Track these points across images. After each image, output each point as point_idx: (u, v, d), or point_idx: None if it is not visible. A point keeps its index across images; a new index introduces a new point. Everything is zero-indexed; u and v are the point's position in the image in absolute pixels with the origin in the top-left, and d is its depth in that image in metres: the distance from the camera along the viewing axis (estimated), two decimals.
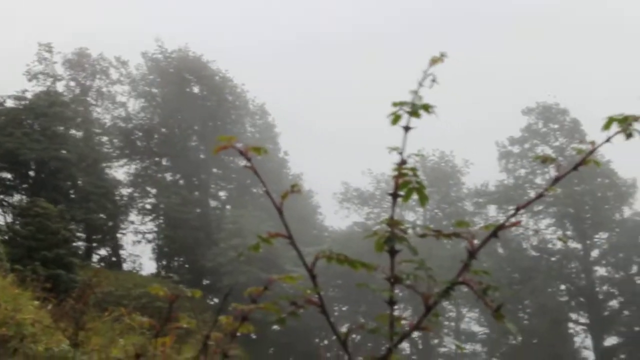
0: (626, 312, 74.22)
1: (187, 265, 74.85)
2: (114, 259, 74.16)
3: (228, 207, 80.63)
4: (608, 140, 2.84)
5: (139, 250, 77.14)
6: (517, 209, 2.92)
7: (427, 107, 2.97)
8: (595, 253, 76.91)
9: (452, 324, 78.16)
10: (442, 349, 77.46)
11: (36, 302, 24.96)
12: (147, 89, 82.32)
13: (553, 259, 76.64)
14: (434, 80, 2.95)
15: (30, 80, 75.70)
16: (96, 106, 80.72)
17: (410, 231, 3.01)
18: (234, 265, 63.48)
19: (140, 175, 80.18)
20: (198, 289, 3.59)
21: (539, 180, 78.64)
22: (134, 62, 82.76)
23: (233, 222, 68.80)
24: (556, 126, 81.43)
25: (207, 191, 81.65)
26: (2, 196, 67.51)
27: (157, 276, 68.22)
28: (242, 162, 3.07)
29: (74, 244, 55.32)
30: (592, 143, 2.91)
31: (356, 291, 66.26)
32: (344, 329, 2.98)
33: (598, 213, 75.77)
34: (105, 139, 79.98)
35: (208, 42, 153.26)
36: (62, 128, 68.65)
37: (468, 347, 77.58)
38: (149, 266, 76.32)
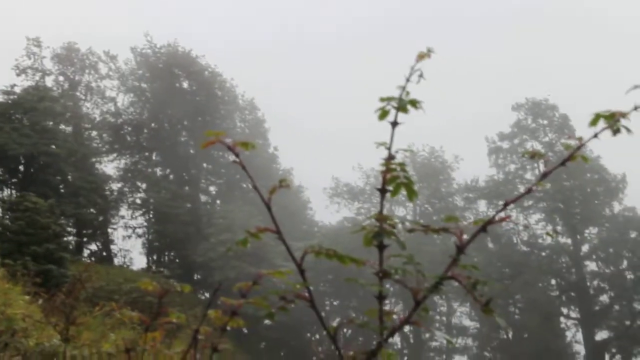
0: (617, 307, 74.47)
1: (177, 260, 74.79)
2: (104, 253, 74.10)
3: (218, 202, 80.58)
4: (595, 136, 2.85)
5: (129, 245, 77.17)
6: (506, 204, 2.93)
7: (414, 103, 2.98)
8: (585, 248, 77.13)
9: (444, 318, 78.29)
10: (434, 344, 77.54)
11: (27, 297, 24.95)
12: (137, 83, 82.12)
13: (543, 254, 76.81)
14: (420, 76, 2.96)
15: (18, 75, 75.56)
16: (85, 101, 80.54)
17: (399, 226, 3.02)
18: (225, 260, 63.44)
19: (130, 170, 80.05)
20: (188, 284, 3.60)
21: (528, 175, 78.83)
22: (122, 56, 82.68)
23: (223, 217, 68.76)
24: (545, 122, 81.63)
25: (197, 186, 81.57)
26: None
27: (148, 271, 68.15)
28: (232, 157, 3.08)
29: (65, 238, 55.14)
30: (580, 139, 2.92)
31: (347, 286, 66.27)
32: (335, 323, 2.99)
33: (588, 208, 75.96)
34: (94, 133, 79.92)
35: (195, 37, 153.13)
36: (51, 123, 68.42)
37: (459, 342, 77.71)
38: (139, 261, 76.42)
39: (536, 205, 78.45)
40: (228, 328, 3.22)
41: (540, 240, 77.24)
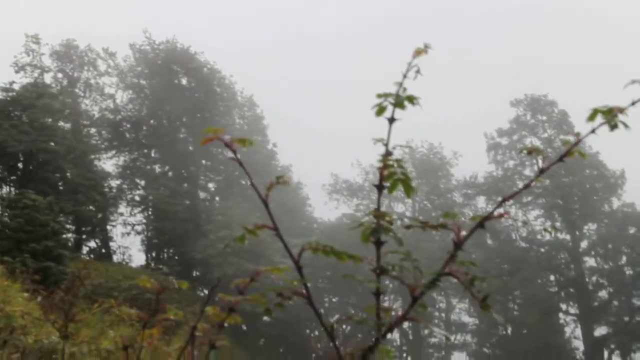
0: (615, 303, 74.49)
1: (176, 257, 74.81)
2: (103, 250, 74.11)
3: (217, 198, 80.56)
4: (593, 131, 2.85)
5: (128, 242, 77.29)
6: (503, 200, 2.93)
7: (411, 99, 2.97)
8: (584, 244, 77.14)
9: (443, 314, 78.37)
10: (433, 340, 77.65)
11: (26, 294, 24.96)
12: (135, 80, 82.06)
13: (542, 250, 76.84)
14: (418, 72, 2.96)
15: (17, 72, 75.51)
16: (84, 98, 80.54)
17: (399, 222, 3.02)
18: (223, 257, 63.42)
19: (129, 167, 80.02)
20: (188, 281, 3.60)
21: (527, 171, 78.79)
22: (121, 53, 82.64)
23: (222, 214, 68.73)
24: (544, 118, 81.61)
25: (196, 183, 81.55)
26: None
27: (147, 268, 68.14)
28: (230, 154, 3.08)
29: (64, 236, 55.07)
30: (577, 135, 2.92)
31: (346, 282, 66.30)
32: (334, 320, 2.99)
33: (587, 204, 75.96)
34: (93, 130, 79.85)
35: (195, 37, 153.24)
36: (50, 120, 68.39)
37: (458, 338, 77.80)
38: (138, 258, 76.46)
39: (535, 202, 78.49)
40: (226, 325, 3.22)
41: (539, 237, 77.26)
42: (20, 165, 67.74)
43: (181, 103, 79.10)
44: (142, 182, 79.15)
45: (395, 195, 67.73)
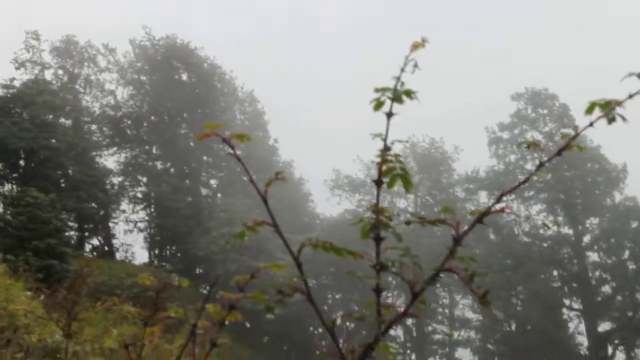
0: (619, 298, 74.42)
1: (179, 254, 74.86)
2: (106, 248, 74.14)
3: (219, 195, 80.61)
4: (591, 124, 2.84)
5: (131, 239, 77.42)
6: (501, 195, 2.92)
7: (409, 93, 2.97)
8: (587, 238, 77.05)
9: (446, 310, 78.37)
10: (437, 336, 77.59)
11: (29, 293, 24.95)
12: (136, 76, 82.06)
13: (545, 245, 76.78)
14: (415, 66, 2.95)
15: (17, 68, 75.59)
16: (85, 94, 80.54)
17: (401, 218, 3.01)
18: (226, 254, 63.40)
19: (130, 163, 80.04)
20: (190, 278, 3.61)
21: (529, 165, 78.67)
22: (121, 49, 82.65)
23: (224, 210, 68.69)
24: (545, 111, 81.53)
25: (198, 179, 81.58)
26: None
27: (150, 265, 68.19)
28: (229, 150, 3.07)
29: (66, 233, 55.11)
30: (575, 128, 2.91)
31: (349, 279, 66.22)
32: (337, 317, 2.99)
33: (589, 198, 75.88)
34: (94, 127, 79.91)
35: (194, 31, 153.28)
36: (51, 117, 68.40)
37: (462, 334, 77.75)
38: (141, 255, 76.50)
39: (537, 196, 78.45)
40: (227, 322, 3.22)
41: (541, 231, 77.24)
42: (21, 162, 67.73)
43: (182, 99, 79.10)
44: (144, 179, 79.19)
45: (397, 190, 67.68)
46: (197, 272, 72.26)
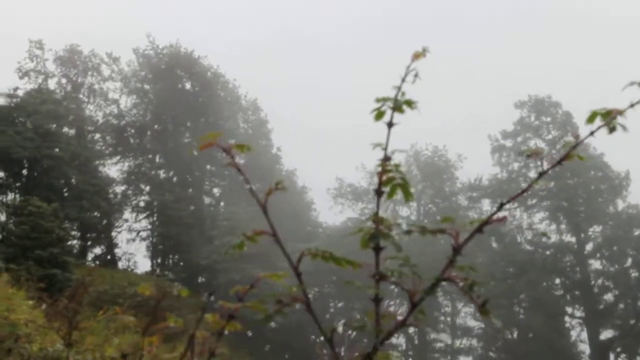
0: (621, 305, 74.22)
1: (181, 263, 74.84)
2: (108, 257, 74.18)
3: (222, 203, 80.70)
4: (592, 134, 2.84)
5: (133, 248, 77.23)
6: (502, 205, 2.92)
7: (409, 103, 2.97)
8: (589, 246, 76.89)
9: (448, 319, 78.19)
10: (439, 344, 77.50)
11: (30, 302, 24.94)
12: (139, 85, 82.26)
13: (547, 252, 76.59)
14: (416, 76, 2.95)
15: (21, 77, 75.81)
16: (88, 103, 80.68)
17: (404, 226, 3.01)
18: (229, 263, 63.36)
19: (133, 172, 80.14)
20: (193, 287, 3.62)
21: (532, 173, 78.52)
22: (125, 58, 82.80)
23: (227, 219, 68.71)
24: (548, 119, 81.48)
25: (201, 188, 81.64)
26: None
27: (152, 274, 68.25)
28: (235, 159, 3.08)
29: (69, 242, 55.12)
30: (576, 137, 2.91)
31: (351, 287, 65.89)
32: (339, 325, 2.99)
33: (592, 206, 75.74)
34: (97, 136, 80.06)
35: (197, 38, 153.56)
36: (54, 126, 68.55)
37: (464, 342, 77.61)
38: (143, 264, 76.46)
39: (540, 204, 78.34)
40: (227, 332, 3.21)
41: (544, 239, 77.11)
42: (24, 171, 67.82)
43: (185, 107, 79.26)
44: (147, 188, 79.28)
45: (399, 198, 67.56)
46: (200, 281, 72.24)
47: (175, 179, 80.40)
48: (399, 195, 2.98)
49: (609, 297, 75.34)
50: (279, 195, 3.02)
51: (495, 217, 2.90)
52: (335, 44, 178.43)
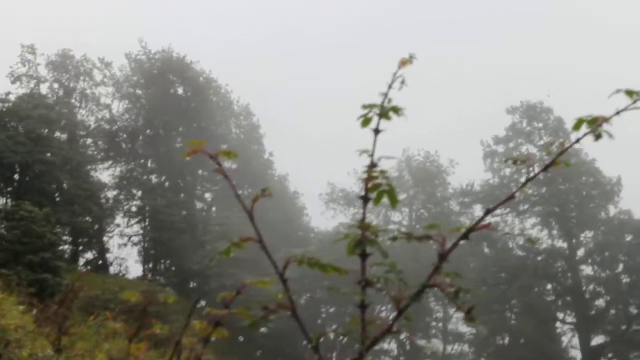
0: (613, 311, 74.28)
1: (173, 268, 74.80)
2: (100, 262, 74.03)
3: (214, 209, 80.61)
4: (577, 141, 2.85)
5: (125, 253, 77.10)
6: (488, 212, 2.93)
7: (396, 110, 2.97)
8: (581, 252, 76.93)
9: (440, 324, 78.13)
10: (430, 351, 77.45)
11: (21, 307, 24.89)
12: (132, 90, 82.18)
13: (539, 258, 76.62)
14: (403, 83, 2.96)
15: (13, 82, 75.67)
16: (80, 108, 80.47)
17: (390, 233, 3.01)
18: (221, 268, 63.31)
19: (125, 177, 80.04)
20: (185, 292, 3.62)
21: (524, 179, 78.20)
22: (117, 63, 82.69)
23: (219, 224, 68.64)
24: (540, 125, 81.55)
25: (193, 193, 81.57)
26: None
27: (144, 279, 68.14)
28: (227, 164, 3.08)
29: (60, 247, 54.98)
30: (562, 144, 2.92)
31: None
32: (322, 333, 2.98)
33: (583, 212, 75.81)
34: (89, 141, 79.93)
35: (190, 42, 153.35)
36: (46, 131, 68.48)
37: (456, 348, 77.58)
38: (135, 269, 76.35)
39: (532, 210, 78.38)
40: (215, 338, 3.21)
41: (536, 245, 77.13)
42: (16, 176, 67.74)
43: (177, 113, 79.22)
44: (139, 193, 79.20)
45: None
46: (192, 286, 72.17)
47: (167, 184, 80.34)
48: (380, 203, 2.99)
49: (600, 303, 75.41)
50: (271, 200, 3.04)
51: (482, 223, 2.91)
52: (332, 46, 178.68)
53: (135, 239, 77.26)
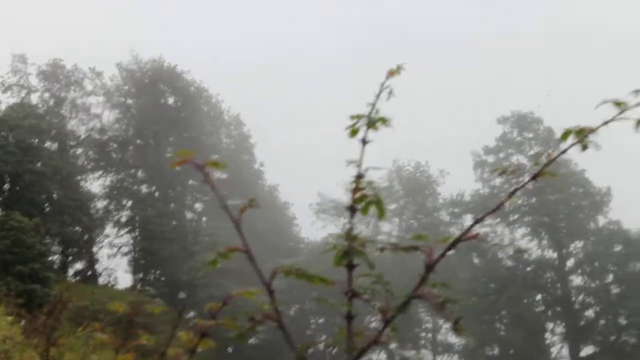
0: (602, 322, 74.37)
1: (163, 278, 74.64)
2: (89, 272, 73.83)
3: (204, 219, 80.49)
4: (564, 152, 2.86)
5: (114, 263, 76.92)
6: (475, 222, 2.93)
7: (384, 120, 2.97)
8: (570, 262, 77.01)
9: (429, 335, 78.08)
10: None
11: (9, 318, 24.76)
12: (122, 100, 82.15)
13: (529, 268, 76.70)
14: (390, 93, 2.96)
15: (4, 92, 75.67)
16: (71, 118, 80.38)
17: (384, 243, 3.00)
18: (210, 279, 63.17)
19: (115, 187, 79.90)
20: (174, 302, 3.61)
21: (514, 189, 78.53)
22: (108, 73, 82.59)
23: (209, 235, 68.51)
24: (531, 135, 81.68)
25: (183, 203, 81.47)
26: None
27: (133, 290, 67.97)
28: (217, 174, 3.08)
29: (50, 257, 54.90)
30: (549, 155, 2.92)
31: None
32: (322, 340, 2.98)
33: (573, 222, 75.90)
34: (80, 151, 79.85)
35: (180, 54, 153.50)
36: (36, 140, 68.36)
37: (445, 359, 77.54)
38: (124, 279, 76.17)
39: (522, 220, 78.46)
40: (201, 349, 3.19)
41: (525, 255, 77.18)
42: (6, 186, 67.57)
43: (168, 122, 79.18)
44: (129, 203, 79.06)
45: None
46: (181, 296, 72.00)
47: (157, 194, 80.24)
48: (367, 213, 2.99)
49: (589, 313, 75.50)
50: (261, 211, 3.04)
51: (469, 233, 2.91)
52: (319, 58, 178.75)
53: (125, 249, 77.21)
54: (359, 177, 2.93)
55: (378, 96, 2.99)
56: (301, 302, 68.90)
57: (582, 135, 2.84)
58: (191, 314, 69.07)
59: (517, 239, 78.83)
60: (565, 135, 2.89)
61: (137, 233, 76.93)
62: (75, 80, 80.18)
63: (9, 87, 75.97)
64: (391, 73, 3.02)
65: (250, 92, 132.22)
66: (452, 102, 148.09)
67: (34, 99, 77.93)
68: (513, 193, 2.96)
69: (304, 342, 2.91)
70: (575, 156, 69.35)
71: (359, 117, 3.02)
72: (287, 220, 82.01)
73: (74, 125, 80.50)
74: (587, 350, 73.95)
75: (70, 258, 72.94)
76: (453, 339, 77.48)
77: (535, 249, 77.46)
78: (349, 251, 2.86)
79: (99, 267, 75.69)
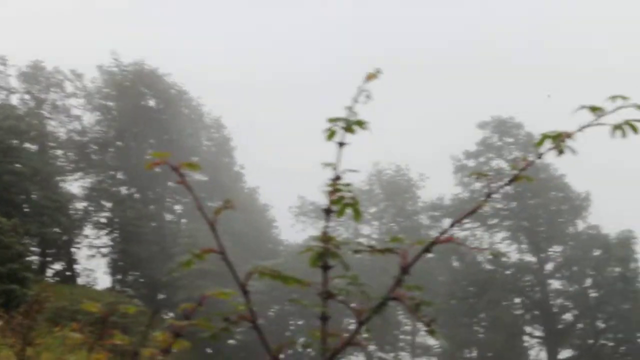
0: (580, 325, 74.68)
1: (142, 280, 74.47)
2: (68, 273, 73.53)
3: (184, 220, 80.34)
4: (539, 157, 2.87)
5: (93, 264, 76.61)
6: (451, 225, 2.94)
7: (361, 123, 2.98)
8: (549, 266, 77.29)
9: (408, 337, 78.18)
10: None
11: None
12: (103, 102, 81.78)
13: (508, 272, 76.89)
14: (368, 97, 2.97)
15: None
16: (51, 119, 79.97)
17: (359, 245, 3.01)
18: (189, 280, 63.08)
19: (95, 189, 79.56)
20: (153, 303, 3.59)
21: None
22: (89, 75, 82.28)
23: (188, 236, 68.44)
24: (511, 140, 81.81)
25: (163, 205, 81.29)
26: None
27: (112, 290, 67.76)
28: (197, 176, 3.07)
29: (28, 258, 54.63)
30: (525, 159, 2.94)
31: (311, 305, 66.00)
32: (301, 342, 2.98)
33: (552, 226, 76.18)
34: (59, 152, 79.39)
35: (163, 55, 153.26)
36: (16, 141, 68.05)
37: None
38: (103, 280, 75.87)
39: (501, 224, 78.68)
40: (175, 350, 3.19)
41: (504, 259, 77.35)
42: None
43: (148, 125, 78.98)
44: (108, 204, 78.74)
45: (361, 217, 67.69)
46: (160, 297, 71.83)
47: (137, 195, 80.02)
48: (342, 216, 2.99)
49: (568, 316, 75.78)
50: (241, 213, 3.05)
51: (444, 236, 2.92)
52: (301, 64, 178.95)
53: (104, 250, 76.92)
54: (336, 179, 2.94)
55: (356, 99, 3.00)
56: (281, 304, 68.87)
57: (558, 140, 2.85)
58: (170, 315, 69.01)
59: (496, 242, 79.09)
60: (542, 140, 2.90)
61: (116, 234, 76.69)
62: (56, 82, 79.81)
63: None
64: (369, 77, 3.03)
65: (232, 98, 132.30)
66: (434, 106, 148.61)
67: (14, 100, 77.60)
68: (489, 196, 2.96)
69: (280, 343, 2.91)
70: (555, 161, 69.82)
71: (336, 119, 3.02)
72: (266, 222, 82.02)
73: (54, 127, 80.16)
74: (565, 353, 74.28)
75: (49, 258, 72.63)
76: (432, 341, 77.72)
77: (514, 252, 77.75)
78: (324, 253, 2.87)
79: (78, 267, 75.45)
